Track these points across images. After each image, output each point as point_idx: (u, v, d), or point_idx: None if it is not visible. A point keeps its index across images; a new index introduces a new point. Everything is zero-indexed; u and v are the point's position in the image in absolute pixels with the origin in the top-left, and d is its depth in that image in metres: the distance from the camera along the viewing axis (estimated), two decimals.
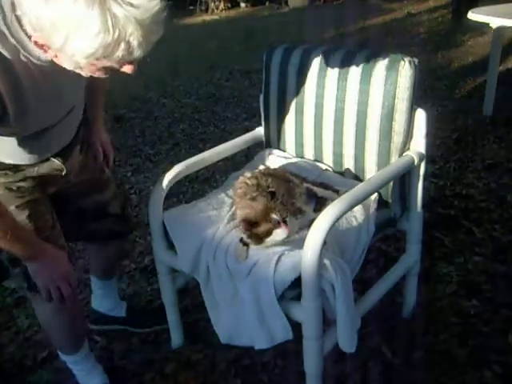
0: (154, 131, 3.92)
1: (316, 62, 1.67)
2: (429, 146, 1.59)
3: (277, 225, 1.34)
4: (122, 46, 0.89)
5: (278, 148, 1.87)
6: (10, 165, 1.25)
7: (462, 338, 1.73)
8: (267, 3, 9.55)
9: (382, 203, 1.60)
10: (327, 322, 1.36)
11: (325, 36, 6.15)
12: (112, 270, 1.83)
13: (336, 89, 1.63)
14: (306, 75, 1.69)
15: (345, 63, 1.61)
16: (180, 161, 1.67)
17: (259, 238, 1.37)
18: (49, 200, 1.39)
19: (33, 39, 0.94)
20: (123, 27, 0.87)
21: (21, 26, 0.96)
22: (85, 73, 1.02)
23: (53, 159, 1.34)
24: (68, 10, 0.84)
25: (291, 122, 1.79)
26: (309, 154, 1.80)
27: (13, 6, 0.95)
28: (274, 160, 1.82)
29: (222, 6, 9.75)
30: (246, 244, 1.40)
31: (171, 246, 1.56)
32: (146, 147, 3.62)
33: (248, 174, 1.57)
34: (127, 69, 1.00)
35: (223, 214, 1.57)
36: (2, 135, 1.14)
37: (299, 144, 1.80)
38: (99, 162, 1.57)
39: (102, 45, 0.88)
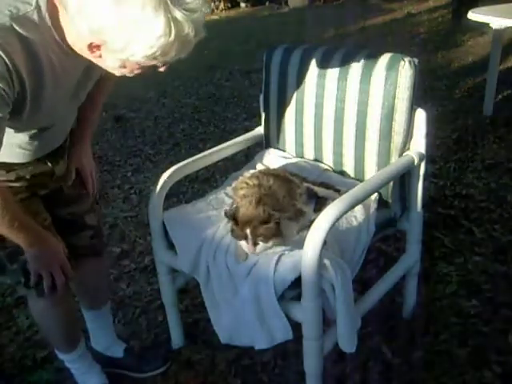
0: (153, 131, 3.92)
1: (316, 62, 1.67)
2: (429, 146, 1.59)
3: (245, 237, 1.35)
4: (176, 46, 0.98)
5: (278, 148, 1.87)
6: (2, 163, 1.26)
7: (462, 338, 1.73)
8: (267, 3, 9.55)
9: (382, 203, 1.60)
10: (327, 321, 1.36)
11: (325, 36, 6.15)
12: (97, 296, 1.72)
13: (336, 89, 1.63)
14: (305, 75, 1.69)
15: (345, 63, 1.61)
16: (180, 161, 1.67)
17: (232, 234, 1.39)
18: (41, 202, 1.39)
19: (87, 41, 0.99)
20: (181, 29, 0.95)
21: (57, 23, 1.02)
22: (125, 72, 1.08)
23: (45, 161, 1.35)
24: (136, 16, 0.92)
25: (291, 122, 1.79)
26: (309, 153, 1.80)
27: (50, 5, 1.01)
28: (274, 160, 1.82)
29: (222, 5, 9.75)
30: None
31: (171, 246, 1.56)
32: (146, 147, 3.62)
33: (248, 174, 1.57)
34: (162, 68, 1.09)
35: (223, 213, 1.57)
36: (6, 127, 1.14)
37: (299, 144, 1.81)
38: (90, 191, 1.56)
39: (162, 46, 0.96)
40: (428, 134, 1.57)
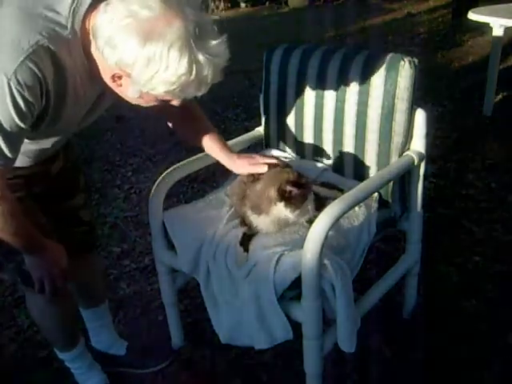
0: (153, 131, 3.91)
1: (316, 62, 1.67)
2: (429, 146, 1.59)
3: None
4: (195, 85, 1.05)
5: (278, 148, 1.87)
6: None
7: (462, 338, 1.73)
8: (267, 3, 9.54)
9: (382, 203, 1.60)
10: (327, 321, 1.36)
11: (325, 36, 6.15)
12: (94, 293, 1.73)
13: (336, 89, 1.63)
14: (305, 75, 1.69)
15: (345, 63, 1.61)
16: (180, 161, 1.67)
17: (296, 202, 1.39)
18: (35, 199, 1.40)
19: (112, 72, 1.06)
20: (201, 71, 1.03)
21: (87, 49, 1.09)
22: (141, 102, 1.15)
23: (42, 164, 1.38)
24: (163, 54, 0.98)
25: (291, 122, 1.79)
26: (309, 153, 1.80)
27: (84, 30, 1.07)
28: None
29: (222, 5, 9.75)
30: (246, 244, 1.41)
31: (171, 246, 1.56)
32: (146, 147, 3.61)
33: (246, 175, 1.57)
34: (176, 102, 1.15)
35: (223, 213, 1.57)
36: (19, 136, 1.16)
37: (299, 144, 1.80)
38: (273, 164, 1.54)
39: (182, 84, 1.03)
40: (428, 134, 1.57)
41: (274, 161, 1.51)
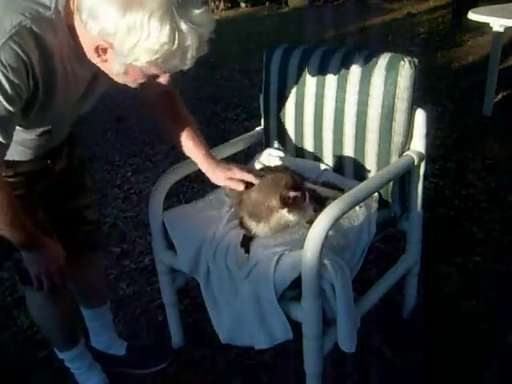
0: (154, 131, 3.91)
1: (316, 62, 1.67)
2: (429, 146, 1.59)
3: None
4: (179, 56, 1.04)
5: (278, 148, 1.87)
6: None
7: (462, 338, 1.73)
8: (267, 3, 9.54)
9: (382, 203, 1.60)
10: (327, 321, 1.36)
11: (325, 36, 6.15)
12: (96, 293, 1.72)
13: (336, 89, 1.63)
14: (305, 75, 1.69)
15: (345, 63, 1.61)
16: (180, 161, 1.67)
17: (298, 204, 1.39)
18: (38, 199, 1.40)
19: (96, 43, 1.05)
20: (184, 41, 1.02)
21: (72, 29, 1.09)
22: (128, 80, 1.14)
23: (45, 159, 1.38)
24: (144, 22, 0.98)
25: (291, 122, 1.79)
26: (309, 154, 1.80)
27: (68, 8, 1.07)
28: (274, 160, 1.82)
29: (221, 5, 9.75)
30: (249, 240, 1.40)
31: (171, 246, 1.56)
32: (146, 147, 3.61)
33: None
34: (164, 78, 1.15)
35: (223, 213, 1.57)
36: (13, 125, 1.16)
37: (299, 144, 1.80)
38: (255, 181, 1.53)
39: (164, 53, 1.02)
40: (428, 134, 1.57)
41: (252, 178, 1.49)
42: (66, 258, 1.37)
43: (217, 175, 1.53)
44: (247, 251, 1.39)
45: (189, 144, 1.53)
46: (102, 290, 1.77)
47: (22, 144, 1.26)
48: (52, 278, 1.33)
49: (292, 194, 1.36)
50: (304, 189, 1.40)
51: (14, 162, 1.29)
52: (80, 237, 1.56)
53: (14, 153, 1.26)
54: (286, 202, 1.37)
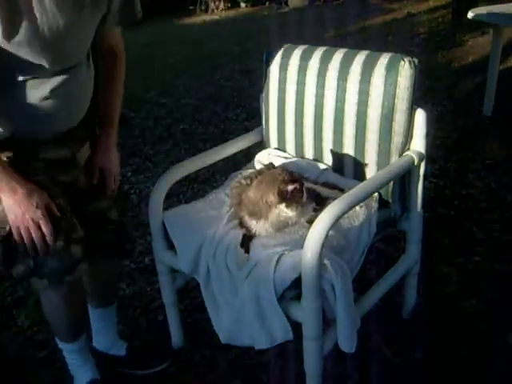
0: (153, 131, 3.91)
1: (316, 62, 1.67)
2: (429, 146, 1.59)
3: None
4: None
5: (278, 148, 1.87)
6: (24, 140, 1.28)
7: (462, 338, 1.73)
8: (267, 3, 9.54)
9: (382, 203, 1.60)
10: (327, 321, 1.36)
11: (325, 36, 6.15)
12: (108, 294, 1.74)
13: (336, 89, 1.63)
14: (305, 75, 1.69)
15: (345, 63, 1.61)
16: (180, 161, 1.67)
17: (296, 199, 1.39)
18: (61, 189, 1.36)
19: None
20: None
21: None
22: None
23: (66, 144, 1.37)
24: None
25: (291, 122, 1.79)
26: (309, 154, 1.80)
27: None
28: (274, 160, 1.82)
29: (221, 6, 9.74)
30: (249, 239, 1.41)
31: (171, 246, 1.56)
32: (146, 147, 3.62)
33: (243, 175, 1.58)
34: None
35: (223, 213, 1.57)
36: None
37: (299, 144, 1.80)
38: (107, 193, 1.53)
39: None
40: (428, 134, 1.57)
41: (109, 183, 1.50)
42: (88, 257, 1.36)
43: (95, 157, 1.49)
44: (247, 251, 1.39)
45: (103, 111, 1.51)
46: (113, 290, 1.79)
47: (35, 103, 1.23)
48: (41, 233, 1.26)
49: (290, 187, 1.36)
50: (301, 182, 1.40)
51: (35, 141, 1.28)
52: (107, 237, 1.55)
53: (31, 117, 1.24)
54: (284, 197, 1.37)
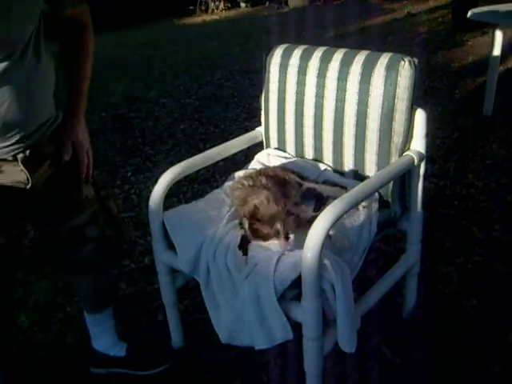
0: (153, 131, 3.92)
1: (316, 62, 1.67)
2: (429, 146, 1.59)
3: (277, 235, 1.34)
4: None
5: (278, 148, 1.87)
6: None
7: (462, 338, 1.73)
8: (267, 3, 9.55)
9: (382, 203, 1.60)
10: (327, 321, 1.36)
11: (325, 36, 6.15)
12: (101, 302, 1.71)
13: (336, 89, 1.63)
14: (305, 75, 1.69)
15: (345, 63, 1.61)
16: (180, 161, 1.67)
17: (257, 236, 1.37)
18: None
19: None
20: None
21: None
22: None
23: (18, 164, 1.24)
24: None
25: (291, 122, 1.79)
26: (309, 153, 1.80)
27: None
28: (274, 160, 1.82)
29: (221, 6, 9.75)
30: (247, 241, 1.40)
31: (171, 246, 1.56)
32: (146, 147, 3.62)
33: (243, 174, 1.57)
34: None
35: (223, 213, 1.57)
36: None
37: (299, 144, 1.81)
38: (82, 174, 1.43)
39: None
40: (428, 134, 1.57)
41: (82, 161, 1.41)
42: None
43: (65, 130, 1.38)
44: (245, 253, 1.39)
45: (70, 81, 1.41)
46: (106, 297, 1.75)
47: None
48: None
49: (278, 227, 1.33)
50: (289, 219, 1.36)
51: None
52: (84, 255, 1.50)
53: None
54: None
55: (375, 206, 1.55)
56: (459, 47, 5.30)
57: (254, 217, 1.36)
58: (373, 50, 1.63)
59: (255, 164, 1.85)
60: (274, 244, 1.36)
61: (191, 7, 9.82)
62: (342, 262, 1.33)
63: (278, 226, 1.33)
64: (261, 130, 1.91)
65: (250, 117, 3.82)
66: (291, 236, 1.35)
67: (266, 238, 1.37)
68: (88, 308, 1.71)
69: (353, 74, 1.58)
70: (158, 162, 3.36)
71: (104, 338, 1.75)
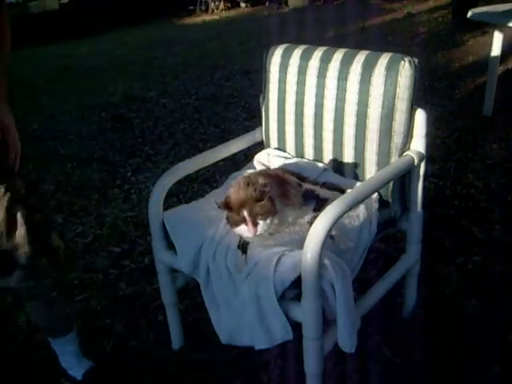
0: (153, 131, 3.92)
1: (316, 62, 1.67)
2: (429, 146, 1.59)
3: (243, 221, 1.36)
4: None
5: (278, 148, 1.87)
6: None
7: (462, 338, 1.73)
8: (267, 3, 9.56)
9: (382, 203, 1.60)
10: (327, 321, 1.36)
11: (325, 36, 6.15)
12: (55, 328, 1.64)
13: (336, 89, 1.63)
14: (305, 75, 1.69)
15: (345, 63, 1.61)
16: (180, 161, 1.67)
17: (232, 223, 1.40)
18: None
19: None
20: None
21: None
22: None
23: None
24: None
25: (291, 122, 1.79)
26: (309, 153, 1.80)
27: None
28: (274, 160, 1.82)
29: (221, 6, 9.77)
30: (244, 247, 1.40)
31: (171, 246, 1.56)
32: (146, 147, 3.62)
33: (243, 175, 1.57)
34: None
35: (223, 213, 1.57)
36: None
37: (299, 144, 1.81)
38: (10, 156, 1.29)
39: None
40: (428, 134, 1.57)
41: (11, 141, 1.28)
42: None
43: None
44: (244, 252, 1.39)
45: None
46: (62, 324, 1.64)
47: None
48: None
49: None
50: (265, 194, 1.37)
51: None
52: (16, 284, 1.40)
53: None
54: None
55: (375, 206, 1.55)
56: (459, 47, 5.30)
57: (227, 205, 1.39)
58: (373, 49, 1.63)
59: (255, 164, 1.85)
60: (244, 229, 1.37)
61: (191, 7, 9.83)
62: (342, 262, 1.33)
63: (244, 212, 1.35)
64: (261, 130, 1.91)
65: (250, 117, 3.82)
66: (260, 222, 1.36)
67: (237, 224, 1.38)
68: (48, 334, 1.68)
69: (353, 74, 1.58)
70: (157, 161, 3.36)
71: (65, 356, 1.71)
